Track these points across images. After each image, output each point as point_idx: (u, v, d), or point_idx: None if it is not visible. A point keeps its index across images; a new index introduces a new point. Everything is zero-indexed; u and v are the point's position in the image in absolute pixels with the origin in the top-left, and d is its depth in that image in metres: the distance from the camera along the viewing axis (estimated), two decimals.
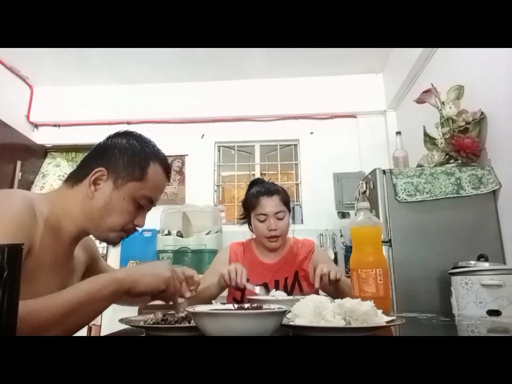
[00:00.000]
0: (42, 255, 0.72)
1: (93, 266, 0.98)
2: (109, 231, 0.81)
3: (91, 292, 0.65)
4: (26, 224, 0.68)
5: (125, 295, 0.71)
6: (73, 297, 0.64)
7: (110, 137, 0.87)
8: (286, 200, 1.50)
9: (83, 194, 0.80)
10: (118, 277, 0.69)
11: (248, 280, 1.26)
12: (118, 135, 0.87)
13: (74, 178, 0.83)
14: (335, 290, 1.29)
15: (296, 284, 1.47)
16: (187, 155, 3.56)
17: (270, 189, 1.49)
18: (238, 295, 1.45)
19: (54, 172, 3.60)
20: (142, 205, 0.83)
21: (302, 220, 3.37)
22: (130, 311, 1.11)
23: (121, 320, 0.81)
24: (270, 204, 1.45)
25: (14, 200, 0.70)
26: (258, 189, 1.50)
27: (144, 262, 1.08)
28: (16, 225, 0.66)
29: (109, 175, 0.80)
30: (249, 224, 1.56)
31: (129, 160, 0.82)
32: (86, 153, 0.87)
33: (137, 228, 0.86)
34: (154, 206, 0.88)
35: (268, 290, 1.29)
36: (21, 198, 0.71)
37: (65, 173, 3.63)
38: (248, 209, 1.52)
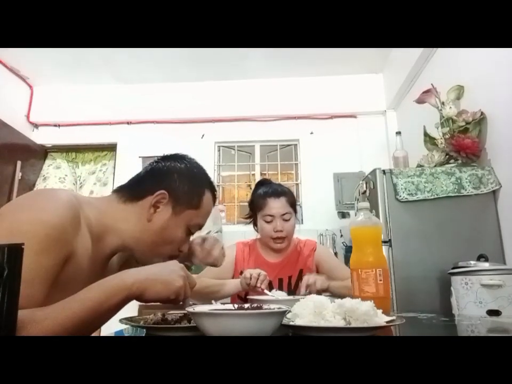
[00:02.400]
0: (80, 264, 0.70)
1: (130, 260, 0.95)
2: (155, 255, 0.80)
3: (99, 302, 0.61)
4: (67, 232, 0.66)
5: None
6: (81, 309, 0.59)
7: (166, 159, 0.87)
8: (292, 202, 1.51)
9: (139, 214, 0.79)
10: (126, 284, 0.63)
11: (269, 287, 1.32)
12: (174, 158, 0.88)
13: (127, 194, 0.81)
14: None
15: (299, 283, 1.48)
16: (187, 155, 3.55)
17: (277, 190, 1.50)
18: (242, 292, 1.46)
19: (55, 174, 3.59)
20: (193, 232, 0.84)
21: (302, 219, 3.36)
22: (130, 311, 1.11)
23: (121, 320, 0.81)
24: (277, 205, 1.46)
25: (61, 203, 0.67)
26: (266, 190, 1.51)
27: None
28: (56, 233, 0.63)
29: (169, 200, 0.80)
30: (255, 225, 1.57)
31: (188, 187, 0.82)
32: (141, 172, 0.86)
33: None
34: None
35: (270, 289, 1.32)
36: (68, 202, 0.68)
37: (65, 175, 3.62)
38: (255, 209, 1.53)
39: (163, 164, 0.86)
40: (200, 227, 0.86)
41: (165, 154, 0.91)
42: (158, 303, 0.86)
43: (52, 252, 0.63)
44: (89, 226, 0.73)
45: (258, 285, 1.24)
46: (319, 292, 1.29)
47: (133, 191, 0.82)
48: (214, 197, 0.89)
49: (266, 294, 1.20)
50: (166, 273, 0.69)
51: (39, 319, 0.55)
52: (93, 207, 0.76)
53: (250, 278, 1.26)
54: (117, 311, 0.65)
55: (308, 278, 1.28)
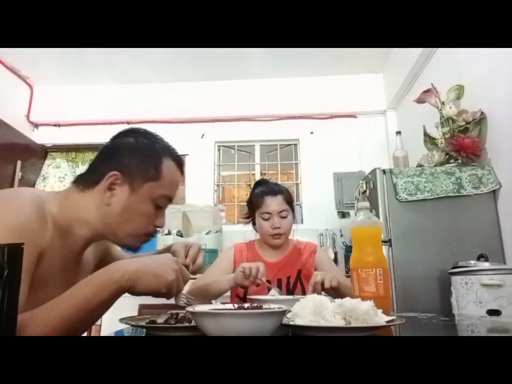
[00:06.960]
0: (52, 260, 0.69)
1: (106, 258, 0.95)
2: (129, 236, 0.78)
3: (87, 299, 0.60)
4: (35, 231, 0.65)
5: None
6: (69, 308, 0.58)
7: (115, 137, 0.84)
8: (289, 200, 1.54)
9: (97, 200, 0.76)
10: (115, 277, 0.63)
11: (269, 282, 1.31)
12: (123, 134, 0.84)
13: (84, 182, 0.79)
14: (336, 294, 1.30)
15: (298, 283, 1.48)
16: (187, 155, 3.55)
17: (274, 189, 1.54)
18: (241, 292, 1.46)
19: (54, 174, 3.58)
20: (161, 205, 0.80)
21: (302, 219, 3.36)
22: (130, 311, 1.11)
23: (121, 320, 0.81)
24: (274, 203, 1.50)
25: (24, 203, 0.66)
26: (263, 189, 1.55)
27: (149, 254, 0.99)
28: (24, 234, 0.61)
29: (123, 179, 0.76)
30: (254, 224, 1.60)
31: (141, 160, 0.78)
32: (94, 156, 0.83)
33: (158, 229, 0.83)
34: (172, 203, 0.85)
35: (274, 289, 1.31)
36: (31, 200, 0.67)
37: (65, 174, 3.61)
38: (253, 208, 1.57)
39: (111, 143, 0.83)
40: (168, 198, 0.82)
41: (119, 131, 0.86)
42: (158, 303, 0.85)
43: (24, 253, 0.62)
44: (55, 222, 0.71)
45: (259, 276, 1.19)
46: (325, 290, 1.23)
47: (87, 177, 0.79)
48: (180, 166, 0.85)
49: (266, 285, 1.17)
50: (157, 266, 0.67)
51: (28, 322, 0.54)
52: (55, 202, 0.74)
53: (250, 270, 1.20)
54: (109, 305, 0.64)
55: (316, 275, 1.20)
